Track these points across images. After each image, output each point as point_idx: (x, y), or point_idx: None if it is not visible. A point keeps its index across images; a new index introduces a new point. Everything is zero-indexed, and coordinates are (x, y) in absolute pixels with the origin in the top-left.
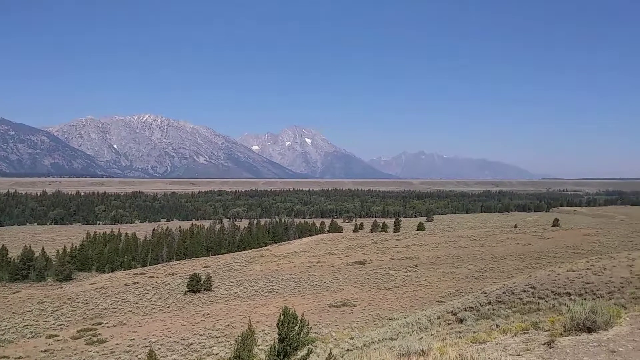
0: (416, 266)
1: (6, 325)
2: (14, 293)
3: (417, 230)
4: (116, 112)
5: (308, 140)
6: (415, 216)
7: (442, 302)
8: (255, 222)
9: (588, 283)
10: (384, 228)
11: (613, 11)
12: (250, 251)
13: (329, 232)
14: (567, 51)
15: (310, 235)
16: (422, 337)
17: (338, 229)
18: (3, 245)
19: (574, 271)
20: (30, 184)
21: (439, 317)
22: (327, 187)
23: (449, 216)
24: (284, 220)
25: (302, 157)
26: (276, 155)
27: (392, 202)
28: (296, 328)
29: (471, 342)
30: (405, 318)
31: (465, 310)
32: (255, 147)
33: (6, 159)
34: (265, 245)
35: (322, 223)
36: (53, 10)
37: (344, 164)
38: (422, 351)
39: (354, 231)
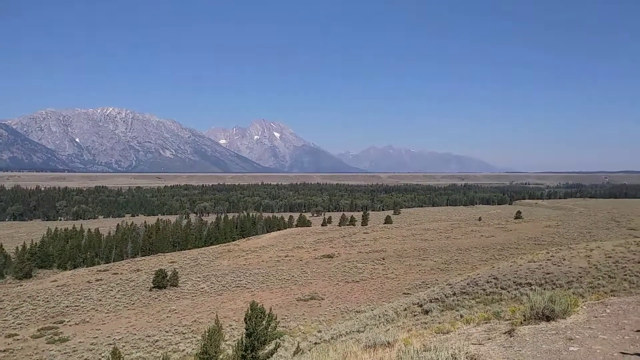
0: (383, 259)
1: None
2: None
3: (385, 223)
4: (78, 105)
5: (277, 134)
6: (383, 209)
7: (408, 294)
8: (222, 216)
9: (548, 273)
10: (352, 222)
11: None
12: (217, 246)
13: (297, 226)
14: (528, 47)
15: (279, 230)
16: (389, 329)
17: (306, 223)
18: None
19: (534, 262)
20: None
21: (405, 309)
22: (295, 181)
23: (416, 209)
24: (252, 215)
25: (270, 151)
26: (244, 149)
27: (360, 195)
28: (264, 322)
29: (435, 332)
30: (372, 310)
31: (431, 301)
32: (222, 141)
33: None
34: (233, 240)
35: (291, 217)
36: None
37: (313, 158)
38: (388, 342)
39: (322, 225)
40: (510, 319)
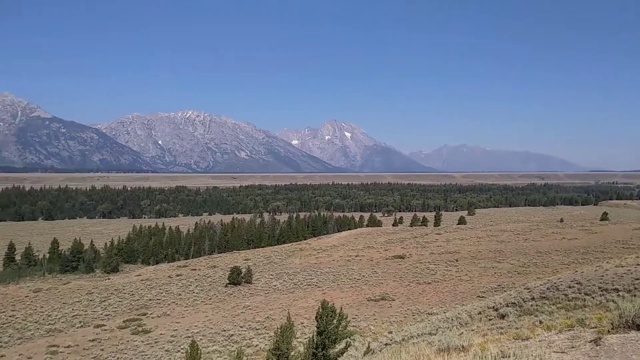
0: (457, 260)
1: (56, 315)
2: (65, 284)
3: (458, 224)
4: (161, 109)
5: (347, 134)
6: (457, 210)
7: (483, 297)
8: (294, 215)
9: (638, 279)
10: (424, 222)
11: None
12: (289, 245)
13: (368, 226)
14: (617, 34)
15: (349, 229)
16: (462, 333)
17: (377, 223)
18: (54, 238)
19: (622, 267)
20: (80, 179)
21: (479, 313)
22: (366, 181)
23: (491, 210)
24: (323, 214)
25: (341, 151)
26: (315, 150)
27: (432, 195)
28: (335, 321)
29: (513, 338)
30: (444, 313)
31: (508, 305)
32: (295, 142)
33: (58, 156)
34: (305, 239)
35: (361, 217)
36: (97, 10)
37: (384, 158)
38: (463, 347)
39: (393, 225)
40: (596, 327)
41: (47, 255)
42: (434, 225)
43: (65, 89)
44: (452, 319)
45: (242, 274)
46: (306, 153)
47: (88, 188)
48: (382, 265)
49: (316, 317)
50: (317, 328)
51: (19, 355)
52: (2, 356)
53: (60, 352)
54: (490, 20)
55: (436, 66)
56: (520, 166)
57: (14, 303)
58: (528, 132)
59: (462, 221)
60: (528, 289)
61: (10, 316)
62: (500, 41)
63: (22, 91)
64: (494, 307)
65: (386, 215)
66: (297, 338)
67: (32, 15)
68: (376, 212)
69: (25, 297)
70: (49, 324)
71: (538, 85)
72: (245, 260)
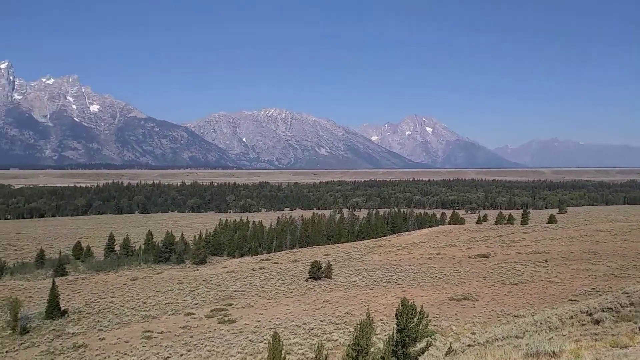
0: (546, 261)
1: (151, 303)
2: (158, 273)
3: (548, 223)
4: (245, 107)
5: (428, 129)
6: (546, 208)
7: (575, 301)
8: (374, 212)
9: None
10: (510, 220)
11: None
12: (369, 241)
13: (449, 223)
14: None
15: (430, 227)
16: (552, 338)
17: (459, 221)
18: (149, 230)
19: None
20: (172, 176)
21: (571, 317)
22: (448, 177)
23: (585, 208)
24: (403, 211)
25: (422, 146)
26: (395, 145)
27: (519, 192)
28: (415, 319)
29: (610, 345)
30: (532, 316)
31: (603, 310)
32: (374, 138)
33: (152, 153)
34: (384, 236)
35: (443, 214)
36: (185, 18)
37: (467, 153)
38: (553, 352)
39: (477, 223)
40: None
41: (143, 247)
42: (521, 224)
43: (159, 90)
44: (541, 323)
45: (322, 269)
46: (386, 149)
47: (178, 184)
48: (465, 264)
49: (396, 315)
50: (397, 325)
51: (118, 339)
52: (102, 339)
53: (154, 337)
54: (577, 20)
55: (523, 58)
56: (619, 161)
57: (113, 290)
58: (627, 124)
59: (552, 220)
60: (626, 293)
61: (110, 302)
62: (601, 22)
63: (120, 93)
64: (587, 311)
65: (469, 212)
66: (377, 334)
67: (134, 25)
68: (458, 209)
69: (124, 284)
70: (144, 310)
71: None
72: (325, 255)
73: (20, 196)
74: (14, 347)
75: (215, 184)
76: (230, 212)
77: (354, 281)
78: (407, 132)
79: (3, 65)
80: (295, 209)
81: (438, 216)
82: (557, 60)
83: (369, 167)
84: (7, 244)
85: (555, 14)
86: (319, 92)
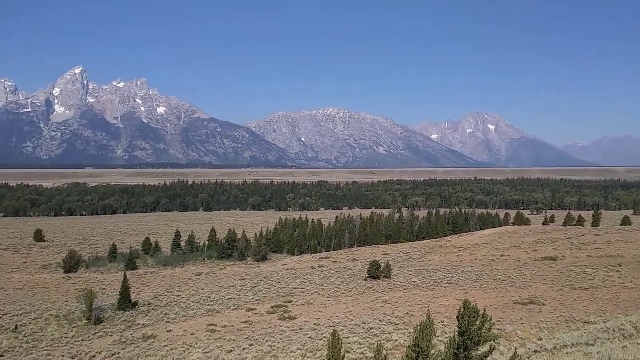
0: (619, 265)
1: (214, 297)
2: (221, 269)
3: (622, 224)
4: (304, 107)
5: (491, 127)
6: (619, 209)
7: None
8: (434, 211)
9: None
10: (580, 221)
11: None
12: (429, 241)
13: (514, 224)
14: None
15: (493, 227)
16: (626, 346)
17: (524, 221)
18: (212, 227)
19: None
20: (233, 174)
21: None
22: (512, 176)
23: None
24: (464, 211)
25: (484, 144)
26: (456, 143)
27: (590, 192)
28: (477, 322)
29: None
30: (604, 322)
31: None
32: (434, 136)
33: (215, 153)
34: (445, 236)
35: (507, 214)
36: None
37: (532, 151)
38: None
39: (543, 224)
40: None
41: (207, 243)
42: (592, 225)
43: (222, 91)
44: (614, 330)
45: (381, 268)
46: (446, 147)
47: (240, 182)
48: (531, 267)
49: (457, 317)
50: (459, 328)
51: (184, 331)
52: (169, 331)
53: (218, 330)
54: None
55: (594, 49)
56: None
57: (179, 284)
58: None
59: (626, 221)
60: None
61: (176, 295)
62: None
63: (185, 95)
64: None
65: (535, 213)
66: (437, 336)
67: (198, 29)
68: (523, 209)
69: (189, 279)
70: (208, 304)
71: None
72: (384, 254)
73: (95, 194)
74: (88, 336)
75: (275, 183)
76: (289, 210)
77: (414, 281)
78: (468, 130)
79: (77, 70)
80: (353, 208)
81: (501, 216)
82: (629, 55)
83: (428, 166)
84: (82, 239)
85: (621, 15)
86: (377, 91)
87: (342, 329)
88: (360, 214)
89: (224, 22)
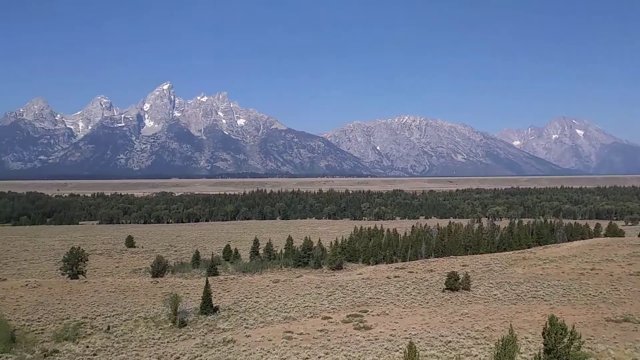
0: None
1: (291, 305)
2: (297, 277)
3: None
4: (379, 116)
5: (579, 132)
6: None
7: None
8: (516, 222)
9: None
10: None
11: None
12: (511, 253)
13: (606, 236)
14: None
15: (583, 239)
16: None
17: (618, 233)
18: (289, 235)
19: None
20: (310, 184)
21: None
22: (603, 184)
23: None
24: (550, 221)
25: (571, 150)
26: (540, 150)
27: None
28: (565, 340)
29: None
30: None
31: None
32: (516, 143)
33: (291, 163)
34: (528, 247)
35: (598, 225)
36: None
37: (626, 157)
38: None
39: (639, 236)
40: None
41: (284, 251)
42: None
43: (298, 102)
44: None
45: (460, 280)
46: (529, 154)
47: (316, 191)
48: (625, 282)
49: (543, 333)
50: (545, 345)
51: (262, 337)
52: (248, 336)
53: (294, 337)
54: None
55: None
56: None
57: (258, 291)
58: None
59: None
60: None
61: (255, 302)
62: None
63: (263, 107)
64: None
65: (630, 224)
66: (521, 353)
67: (273, 45)
68: (616, 220)
69: (267, 286)
70: (285, 311)
71: None
72: (462, 266)
73: (180, 203)
74: (173, 339)
75: (350, 192)
76: (364, 220)
77: (495, 295)
78: (553, 136)
79: (165, 87)
80: (430, 218)
81: (592, 227)
82: None
83: (510, 174)
84: (169, 245)
85: None
86: (454, 98)
87: (418, 341)
88: (438, 224)
89: (300, 35)
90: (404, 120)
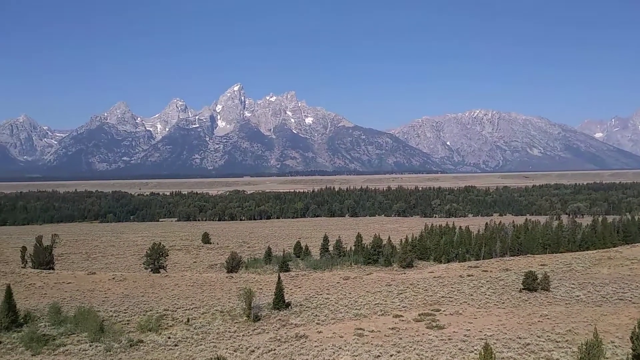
0: None
1: (362, 302)
2: (367, 274)
3: None
4: (449, 110)
5: None
6: None
7: None
8: (600, 219)
9: None
10: None
11: None
12: (594, 252)
13: None
14: None
15: None
16: None
17: None
18: (358, 233)
19: None
20: (378, 181)
21: None
22: None
23: None
24: (638, 218)
25: None
26: (626, 142)
27: None
28: None
29: None
30: None
31: None
32: (598, 135)
33: (359, 160)
34: (614, 246)
35: None
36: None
37: None
38: None
39: None
40: None
41: (353, 248)
42: None
43: (365, 98)
44: None
45: (538, 280)
46: (613, 147)
47: (384, 188)
48: None
49: (631, 338)
50: (633, 350)
51: (333, 333)
52: (320, 332)
53: (365, 335)
54: None
55: None
56: None
57: (328, 287)
58: None
59: None
60: None
61: (325, 298)
62: None
63: (330, 104)
64: None
65: None
66: (607, 358)
67: (339, 42)
68: None
69: (337, 283)
70: (356, 309)
71: None
72: (541, 265)
73: (252, 200)
74: (248, 332)
75: (420, 189)
76: (435, 217)
77: (577, 296)
78: None
79: (236, 88)
80: (504, 215)
81: None
82: None
83: (592, 168)
84: (242, 242)
85: None
86: (528, 89)
87: (494, 343)
88: (513, 221)
89: (364, 36)
90: (475, 114)
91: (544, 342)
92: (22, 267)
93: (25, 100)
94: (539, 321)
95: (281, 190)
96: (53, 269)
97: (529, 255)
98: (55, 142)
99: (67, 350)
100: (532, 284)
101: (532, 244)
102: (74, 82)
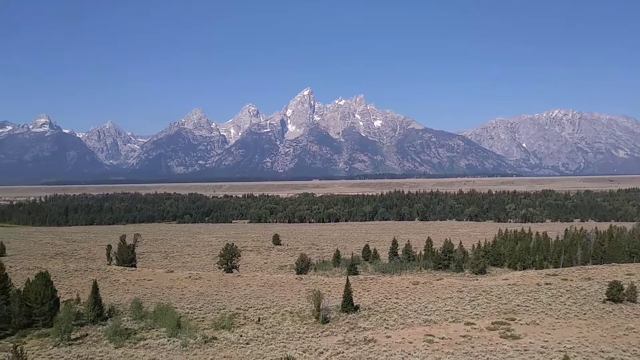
0: None
1: (432, 308)
2: (438, 280)
3: None
4: (524, 111)
5: None
6: None
7: None
8: None
9: None
10: None
11: None
12: None
13: None
14: None
15: None
16: None
17: None
18: (428, 237)
19: None
20: (449, 184)
21: None
22: None
23: None
24: None
25: None
26: None
27: None
28: None
29: None
30: None
31: None
32: None
33: (430, 162)
34: None
35: None
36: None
37: None
38: None
39: None
40: None
41: (423, 252)
42: None
43: (435, 101)
44: None
45: (624, 291)
46: None
47: (456, 192)
48: None
49: None
50: None
51: (402, 338)
52: (388, 337)
53: (436, 342)
54: None
55: None
56: None
57: (397, 292)
58: None
59: None
60: None
61: (394, 303)
62: None
63: (399, 107)
64: None
65: None
66: None
67: (407, 44)
68: None
69: (406, 287)
70: (426, 314)
71: None
72: (627, 275)
73: (321, 203)
74: (317, 334)
75: (494, 192)
76: (510, 222)
77: None
78: None
79: (305, 92)
80: (586, 220)
81: None
82: None
83: None
84: (311, 244)
85: None
86: (613, 88)
87: (575, 355)
88: (596, 228)
89: (432, 39)
90: (554, 114)
91: (629, 356)
92: (107, 264)
93: (112, 107)
94: (624, 334)
95: (350, 194)
96: (135, 266)
97: (613, 264)
98: (138, 147)
99: (147, 344)
100: (617, 294)
101: (617, 251)
102: (155, 90)
